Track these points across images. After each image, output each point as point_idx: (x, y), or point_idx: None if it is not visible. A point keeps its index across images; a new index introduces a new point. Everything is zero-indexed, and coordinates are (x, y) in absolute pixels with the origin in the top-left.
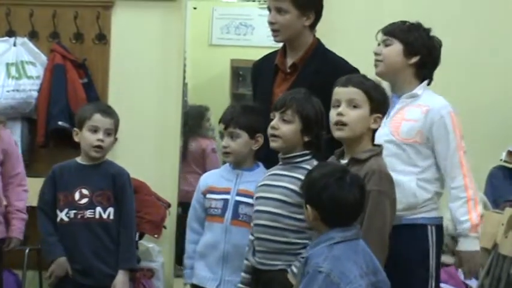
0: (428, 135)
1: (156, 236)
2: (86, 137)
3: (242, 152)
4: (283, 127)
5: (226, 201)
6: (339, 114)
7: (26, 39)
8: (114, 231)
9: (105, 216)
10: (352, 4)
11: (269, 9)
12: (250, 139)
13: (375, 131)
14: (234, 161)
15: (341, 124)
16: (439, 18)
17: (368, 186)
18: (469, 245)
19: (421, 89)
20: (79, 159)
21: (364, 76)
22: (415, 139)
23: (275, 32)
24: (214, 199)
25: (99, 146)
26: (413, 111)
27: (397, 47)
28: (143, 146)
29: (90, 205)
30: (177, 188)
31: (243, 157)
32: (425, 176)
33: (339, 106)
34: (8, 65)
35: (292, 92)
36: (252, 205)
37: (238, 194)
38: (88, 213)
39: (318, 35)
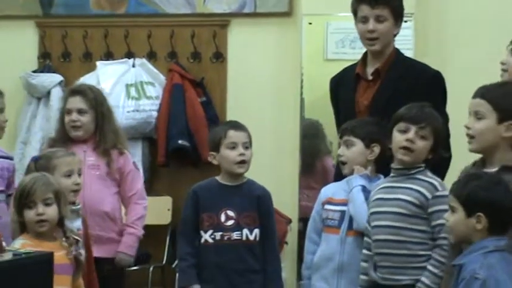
0: None
1: None
2: (226, 156)
3: (356, 160)
4: (420, 143)
5: (343, 212)
6: (466, 127)
7: (144, 60)
8: (259, 252)
9: (251, 237)
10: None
11: (363, 19)
12: (365, 148)
13: None
14: (348, 172)
15: (470, 137)
16: None
17: None
18: None
19: None
20: (220, 179)
21: (497, 85)
22: None
23: (374, 40)
24: (332, 210)
25: (242, 161)
26: None
27: None
28: (262, 161)
29: (237, 227)
30: (297, 203)
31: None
32: None
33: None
34: (127, 86)
35: (422, 105)
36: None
37: None
38: (235, 235)
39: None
